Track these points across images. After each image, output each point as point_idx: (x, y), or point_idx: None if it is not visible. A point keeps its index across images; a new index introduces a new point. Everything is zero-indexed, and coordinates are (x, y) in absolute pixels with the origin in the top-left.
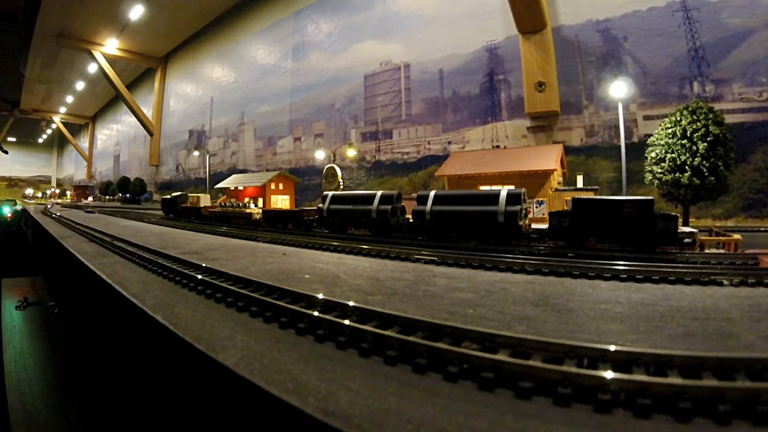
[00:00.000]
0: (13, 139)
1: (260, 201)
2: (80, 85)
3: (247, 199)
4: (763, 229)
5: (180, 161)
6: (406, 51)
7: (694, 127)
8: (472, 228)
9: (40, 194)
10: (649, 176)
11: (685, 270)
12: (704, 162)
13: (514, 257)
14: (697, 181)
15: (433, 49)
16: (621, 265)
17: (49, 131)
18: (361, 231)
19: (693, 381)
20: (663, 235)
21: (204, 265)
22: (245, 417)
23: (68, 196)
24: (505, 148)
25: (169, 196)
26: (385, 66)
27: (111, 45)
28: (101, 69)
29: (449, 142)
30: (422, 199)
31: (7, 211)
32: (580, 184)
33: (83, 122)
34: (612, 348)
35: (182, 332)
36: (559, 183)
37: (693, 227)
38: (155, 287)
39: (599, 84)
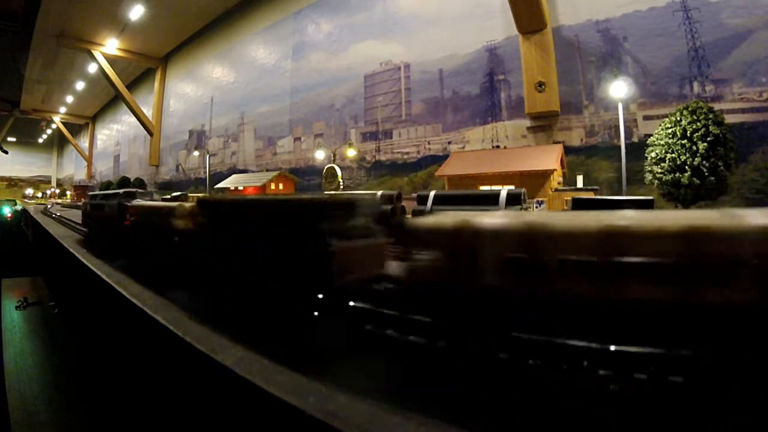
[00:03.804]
0: (13, 139)
1: None
2: (80, 85)
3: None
4: None
5: (180, 161)
6: (406, 51)
7: (694, 127)
8: None
9: (40, 194)
10: (649, 176)
11: None
12: (704, 162)
13: None
14: (697, 181)
15: (433, 49)
16: None
17: (49, 131)
18: None
19: None
20: None
21: None
22: (245, 417)
23: (68, 196)
24: (505, 148)
25: (168, 196)
26: (385, 66)
27: (111, 45)
28: (101, 69)
29: (449, 142)
30: (422, 199)
31: (7, 211)
32: (580, 184)
33: (83, 122)
34: None
35: (182, 332)
36: (559, 183)
37: None
38: (155, 287)
39: (599, 84)
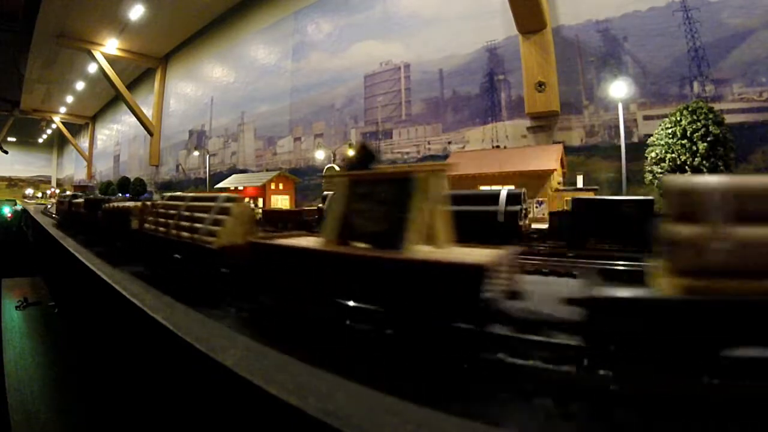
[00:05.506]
0: (13, 139)
1: (260, 201)
2: (80, 85)
3: (247, 199)
4: None
5: (180, 161)
6: (406, 51)
7: (694, 127)
8: (472, 228)
9: (40, 194)
10: (649, 176)
11: None
12: (704, 162)
13: None
14: None
15: (433, 49)
16: (621, 266)
17: (49, 131)
18: None
19: None
20: None
21: None
22: (245, 417)
23: None
24: (505, 148)
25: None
26: (385, 66)
27: (111, 45)
28: (101, 69)
29: (449, 142)
30: None
31: (7, 211)
32: (580, 184)
33: (83, 122)
34: None
35: (182, 332)
36: (559, 183)
37: None
38: (155, 287)
39: (599, 84)
